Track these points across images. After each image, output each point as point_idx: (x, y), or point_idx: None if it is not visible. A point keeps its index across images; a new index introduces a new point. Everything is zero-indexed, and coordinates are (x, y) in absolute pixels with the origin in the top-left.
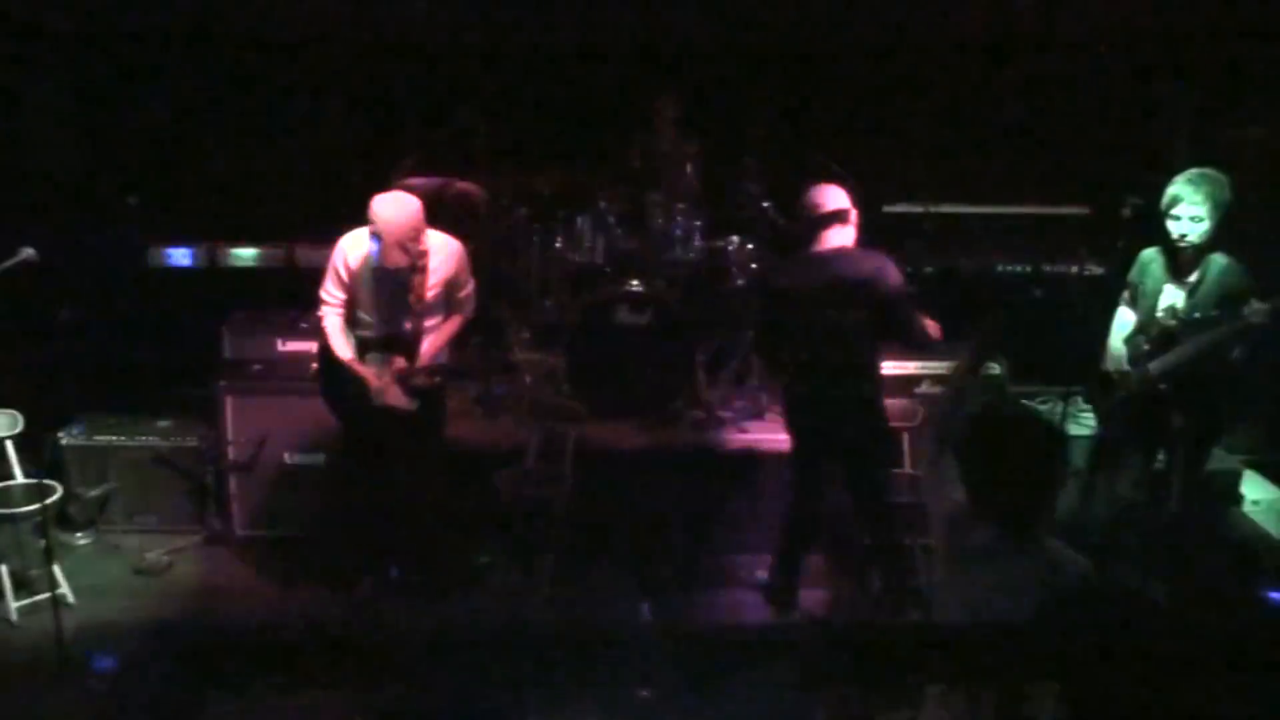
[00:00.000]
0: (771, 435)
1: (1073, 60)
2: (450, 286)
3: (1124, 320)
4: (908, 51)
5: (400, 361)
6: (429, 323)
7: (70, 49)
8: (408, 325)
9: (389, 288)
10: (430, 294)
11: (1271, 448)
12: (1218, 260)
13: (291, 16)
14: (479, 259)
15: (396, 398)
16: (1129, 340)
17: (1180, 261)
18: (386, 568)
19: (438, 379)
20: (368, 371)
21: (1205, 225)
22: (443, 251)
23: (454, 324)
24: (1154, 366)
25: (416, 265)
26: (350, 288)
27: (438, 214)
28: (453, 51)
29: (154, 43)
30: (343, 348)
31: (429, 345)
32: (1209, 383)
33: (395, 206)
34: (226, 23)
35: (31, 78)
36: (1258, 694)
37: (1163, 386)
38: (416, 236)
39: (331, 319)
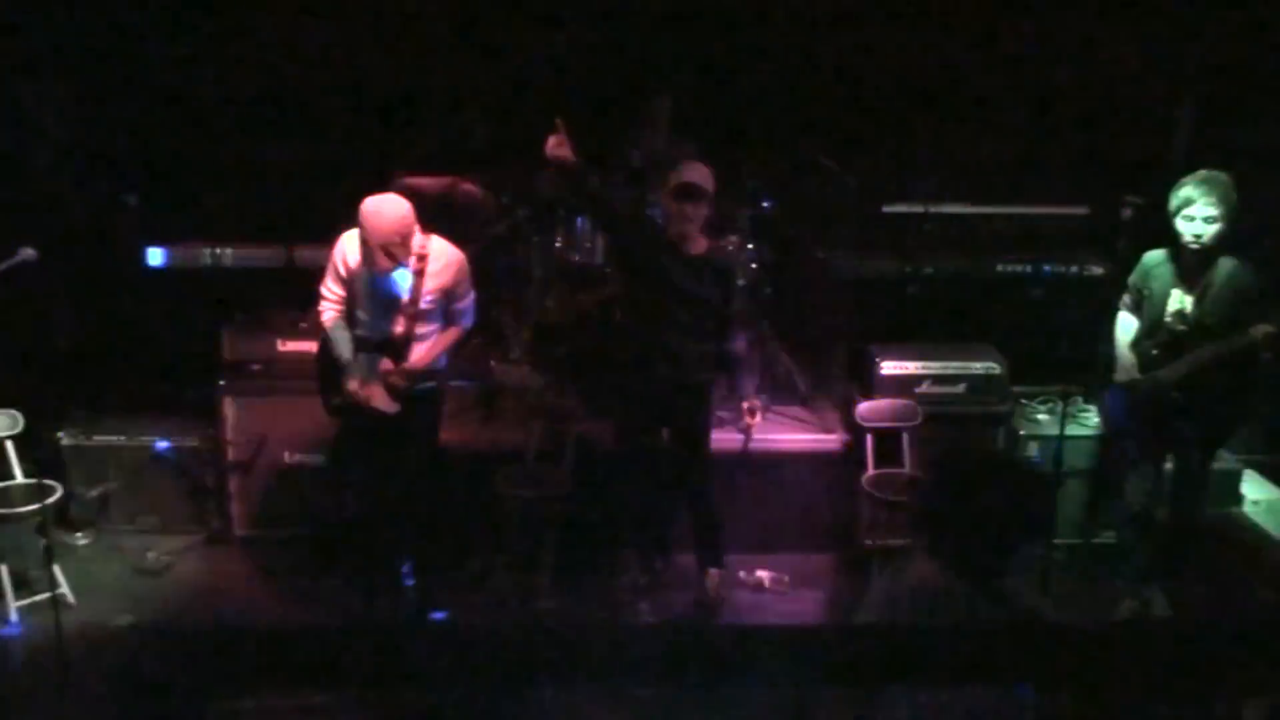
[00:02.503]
0: (769, 435)
1: (1073, 59)
2: (447, 296)
3: (1126, 325)
4: (907, 51)
5: (386, 363)
6: (422, 329)
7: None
8: (399, 329)
9: (381, 289)
10: (425, 300)
11: (1272, 448)
12: (1226, 263)
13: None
14: (479, 259)
15: (380, 400)
16: (1135, 345)
17: (1189, 264)
18: (391, 568)
19: (416, 383)
20: (352, 374)
21: (1218, 226)
22: (442, 259)
23: (451, 335)
24: (1164, 373)
25: (413, 269)
26: (348, 285)
27: (439, 215)
28: (455, 51)
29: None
30: (339, 345)
31: (421, 351)
32: (1220, 388)
33: (380, 210)
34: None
35: (31, 76)
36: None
37: (1175, 394)
38: (404, 241)
39: (329, 315)
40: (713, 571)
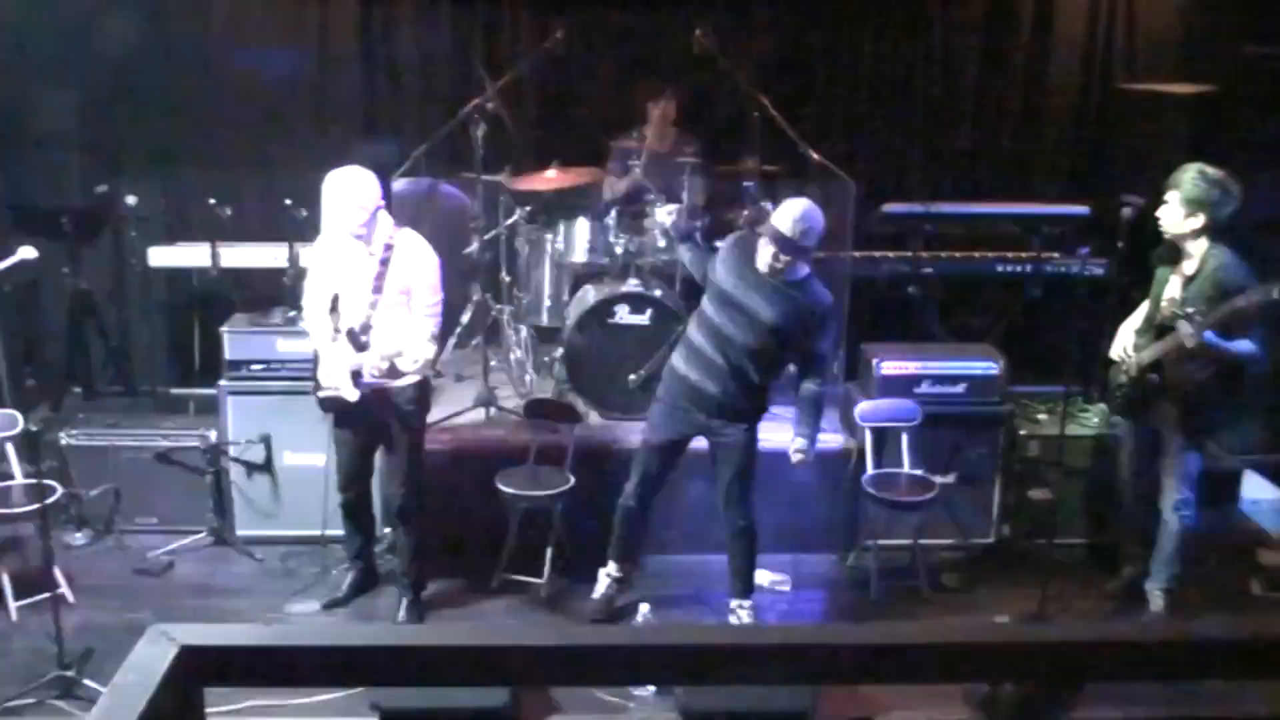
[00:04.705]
0: (769, 435)
1: (1072, 59)
2: (410, 292)
3: (1141, 309)
4: (907, 51)
5: (350, 352)
6: (384, 320)
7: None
8: (359, 318)
9: (348, 279)
10: (386, 291)
11: (1272, 448)
12: (1216, 253)
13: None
14: (479, 259)
15: (346, 389)
16: (1139, 329)
17: (1178, 252)
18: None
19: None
20: (323, 363)
21: (1175, 218)
22: (410, 253)
23: (417, 332)
24: (1143, 356)
25: (380, 258)
26: (324, 279)
27: (428, 216)
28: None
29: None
30: (316, 337)
31: (383, 343)
32: (1191, 377)
33: (340, 176)
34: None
35: (36, 75)
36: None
37: (1152, 376)
38: (360, 211)
39: (306, 313)
40: (744, 606)
